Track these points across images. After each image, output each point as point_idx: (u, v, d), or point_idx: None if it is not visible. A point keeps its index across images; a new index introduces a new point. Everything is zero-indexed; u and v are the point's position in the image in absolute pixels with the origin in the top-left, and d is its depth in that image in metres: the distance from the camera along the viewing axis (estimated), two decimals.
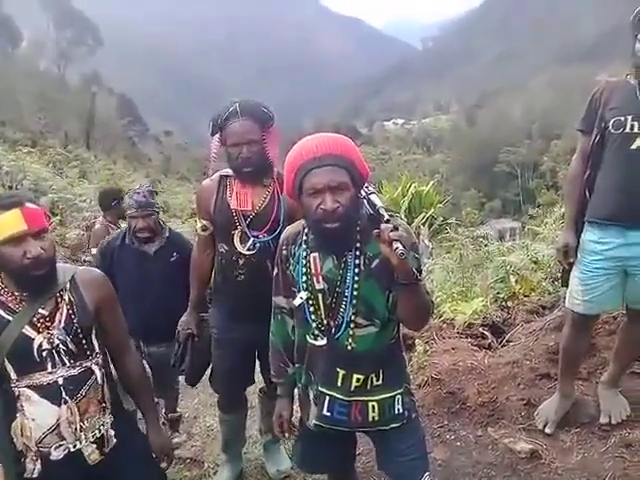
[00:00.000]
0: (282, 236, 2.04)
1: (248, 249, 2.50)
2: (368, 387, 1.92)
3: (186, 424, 3.87)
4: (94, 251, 4.02)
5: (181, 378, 3.25)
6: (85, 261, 6.66)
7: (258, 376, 2.89)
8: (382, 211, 1.66)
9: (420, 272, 1.84)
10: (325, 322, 1.90)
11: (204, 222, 2.64)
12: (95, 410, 1.84)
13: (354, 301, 1.85)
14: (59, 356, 1.77)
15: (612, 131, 2.54)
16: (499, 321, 4.23)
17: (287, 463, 3.08)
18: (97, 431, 1.85)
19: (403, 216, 8.93)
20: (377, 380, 1.93)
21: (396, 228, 1.59)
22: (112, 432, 1.90)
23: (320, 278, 1.88)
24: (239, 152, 2.42)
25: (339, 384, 1.92)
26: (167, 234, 3.34)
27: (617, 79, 2.66)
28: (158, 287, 3.19)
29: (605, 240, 2.61)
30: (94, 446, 1.84)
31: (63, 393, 1.77)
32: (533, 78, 73.99)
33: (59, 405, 1.76)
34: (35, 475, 1.79)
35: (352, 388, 1.91)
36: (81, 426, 1.80)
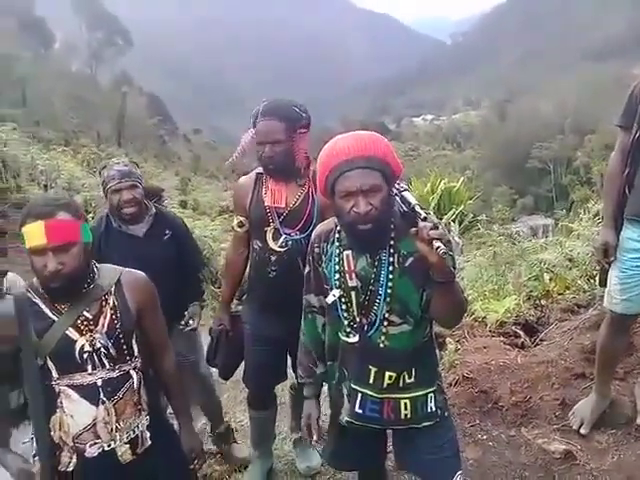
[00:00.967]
0: (314, 233, 2.03)
1: (280, 246, 2.52)
2: (400, 385, 1.91)
3: None
4: None
5: (213, 374, 3.28)
6: None
7: (290, 372, 2.90)
8: (418, 209, 1.64)
9: (455, 269, 1.82)
10: (357, 319, 1.89)
11: (240, 219, 2.68)
12: (131, 412, 1.87)
13: (388, 299, 1.84)
14: (99, 359, 1.80)
15: None
16: (533, 320, 4.16)
17: (317, 460, 3.09)
18: (132, 432, 1.88)
19: (432, 213, 8.86)
20: (409, 378, 1.91)
21: (436, 227, 1.57)
22: (147, 434, 1.93)
23: (353, 275, 1.87)
24: (263, 150, 2.45)
25: (371, 381, 1.91)
26: (154, 211, 2.97)
27: None
28: (156, 270, 2.50)
29: None
30: (127, 446, 1.87)
31: (101, 394, 1.80)
32: (563, 73, 72.61)
33: (97, 405, 1.80)
34: (70, 469, 1.82)
35: (384, 385, 1.90)
36: (117, 427, 1.83)
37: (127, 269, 1.99)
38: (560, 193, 47.19)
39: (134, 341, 1.91)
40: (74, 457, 1.82)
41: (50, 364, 1.77)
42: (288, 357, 2.79)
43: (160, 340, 2.05)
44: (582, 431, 2.92)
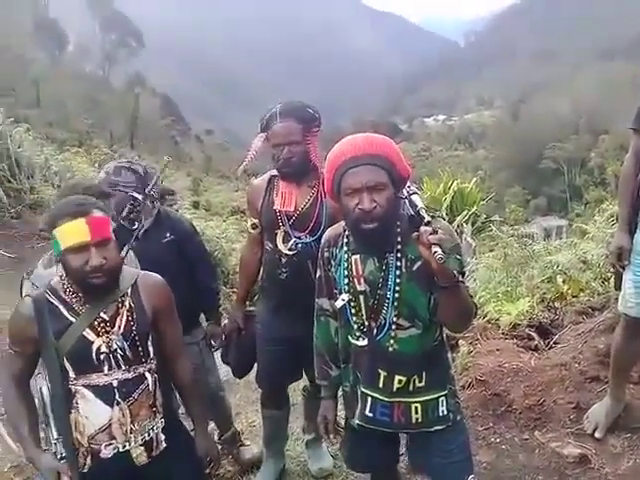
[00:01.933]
0: (323, 238, 2.05)
1: (290, 249, 2.54)
2: (410, 389, 1.91)
3: None
4: None
5: (224, 374, 3.29)
6: None
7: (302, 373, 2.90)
8: (423, 212, 1.64)
9: (463, 274, 1.81)
10: (367, 323, 1.90)
11: (254, 220, 2.69)
12: (146, 414, 1.88)
13: (396, 303, 1.84)
14: (115, 360, 1.82)
15: None
16: (546, 322, 4.12)
17: (329, 461, 3.09)
18: (147, 434, 1.89)
19: (444, 214, 8.80)
20: (420, 382, 1.91)
21: (435, 231, 1.57)
22: (162, 436, 1.94)
23: (362, 280, 1.87)
24: (280, 152, 2.47)
25: (380, 385, 1.91)
26: (156, 211, 2.84)
27: None
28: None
29: None
30: (142, 448, 1.88)
31: (116, 395, 1.82)
32: (577, 73, 72.00)
33: (112, 406, 1.82)
34: (85, 470, 1.84)
35: (394, 389, 1.90)
36: (131, 428, 1.85)
37: (144, 272, 2.02)
38: (574, 194, 46.85)
39: (150, 343, 1.92)
40: (89, 459, 1.84)
41: (67, 365, 1.80)
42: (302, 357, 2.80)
43: (175, 344, 2.06)
44: (596, 435, 2.89)
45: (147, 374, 1.89)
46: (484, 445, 3.04)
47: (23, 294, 2.07)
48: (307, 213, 2.53)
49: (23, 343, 1.83)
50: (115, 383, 1.82)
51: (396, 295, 1.83)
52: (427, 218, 1.61)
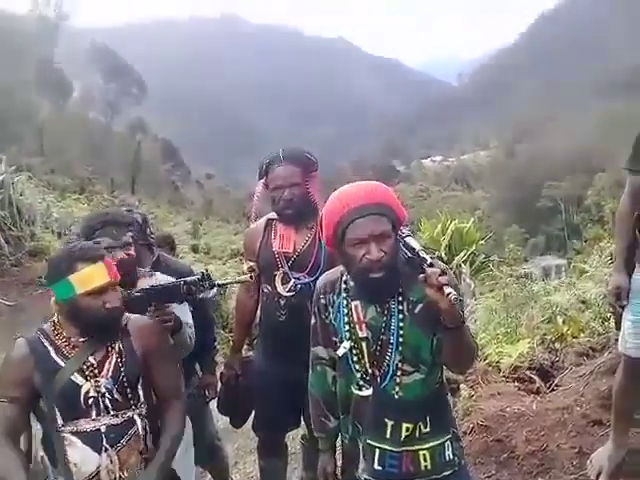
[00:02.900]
0: (318, 284, 2.01)
1: (289, 290, 2.56)
2: (417, 435, 1.86)
3: None
4: None
5: (223, 422, 3.24)
6: None
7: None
8: (423, 254, 1.64)
9: (463, 313, 1.81)
10: (370, 371, 1.86)
11: (251, 263, 2.71)
12: (135, 461, 1.84)
13: (400, 348, 1.82)
14: (104, 404, 1.80)
15: None
16: (547, 364, 4.07)
17: None
18: None
19: (443, 254, 8.82)
20: (425, 427, 1.87)
21: (444, 272, 1.58)
22: None
23: (363, 326, 1.85)
24: (281, 194, 2.52)
25: (388, 435, 1.86)
26: (154, 258, 2.83)
27: None
28: None
29: None
30: None
31: (104, 441, 1.79)
32: (573, 111, 73.16)
33: (100, 453, 1.78)
34: None
35: (402, 438, 1.85)
36: (120, 475, 1.80)
37: (134, 315, 2.01)
38: (572, 232, 46.92)
39: (139, 386, 1.89)
40: None
41: (56, 410, 1.78)
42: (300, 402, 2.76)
43: (166, 391, 2.01)
44: None
45: (137, 418, 1.86)
46: None
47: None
48: (306, 254, 2.55)
49: (17, 386, 1.80)
50: (103, 429, 1.79)
51: (400, 339, 1.81)
52: (429, 260, 1.61)
